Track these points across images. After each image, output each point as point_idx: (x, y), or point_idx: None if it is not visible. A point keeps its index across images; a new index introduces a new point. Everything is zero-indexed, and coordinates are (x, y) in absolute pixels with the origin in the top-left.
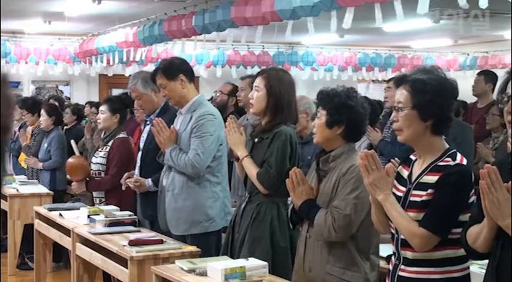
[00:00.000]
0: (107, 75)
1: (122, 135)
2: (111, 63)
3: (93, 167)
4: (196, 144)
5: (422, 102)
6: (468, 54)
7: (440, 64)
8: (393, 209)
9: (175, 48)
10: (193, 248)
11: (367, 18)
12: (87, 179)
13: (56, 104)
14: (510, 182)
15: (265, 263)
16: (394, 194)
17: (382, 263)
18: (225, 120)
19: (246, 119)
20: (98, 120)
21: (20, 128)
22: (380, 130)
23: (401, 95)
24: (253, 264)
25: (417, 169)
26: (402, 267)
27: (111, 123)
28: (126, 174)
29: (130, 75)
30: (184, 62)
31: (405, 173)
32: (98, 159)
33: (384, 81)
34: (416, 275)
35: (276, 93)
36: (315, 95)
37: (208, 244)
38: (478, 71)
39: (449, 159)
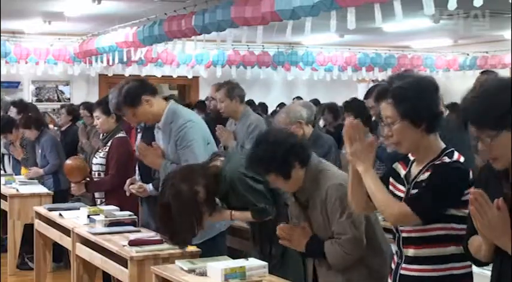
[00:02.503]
0: (107, 75)
1: (120, 134)
2: (111, 63)
3: (93, 168)
4: (187, 155)
5: (409, 110)
6: (468, 54)
7: (440, 64)
8: (372, 182)
9: (176, 48)
10: (193, 248)
11: (367, 18)
12: (87, 179)
13: (29, 114)
14: (501, 198)
15: (265, 263)
16: (394, 193)
17: None
18: (224, 124)
19: (233, 123)
20: (97, 126)
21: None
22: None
23: (386, 109)
24: (253, 264)
25: (415, 169)
26: (404, 265)
27: (109, 125)
28: (128, 181)
29: (130, 76)
30: (141, 82)
31: (402, 172)
32: (98, 160)
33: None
34: (418, 272)
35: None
36: (315, 95)
37: (217, 245)
38: (478, 71)
39: (446, 157)
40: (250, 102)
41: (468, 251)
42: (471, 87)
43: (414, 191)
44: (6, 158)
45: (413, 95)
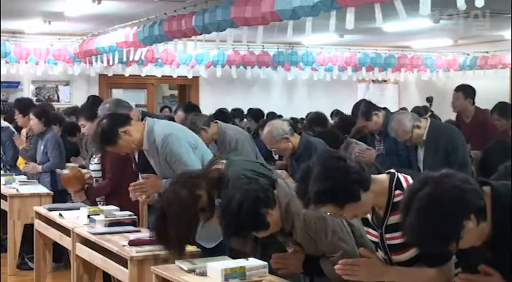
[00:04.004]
0: (106, 75)
1: None
2: (111, 63)
3: (91, 174)
4: (181, 168)
5: (342, 199)
6: (468, 54)
7: (440, 64)
8: (404, 276)
9: (176, 48)
10: (193, 248)
11: (367, 18)
12: (86, 186)
13: (43, 105)
14: (482, 264)
15: (265, 263)
16: (371, 240)
17: None
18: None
19: (214, 145)
20: (85, 134)
21: None
22: (372, 145)
23: (326, 209)
24: (253, 264)
25: (380, 211)
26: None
27: None
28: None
29: (130, 76)
30: (111, 117)
31: (369, 217)
32: (94, 166)
33: (384, 81)
34: None
35: None
36: (314, 95)
37: (223, 246)
38: (478, 71)
39: (398, 191)
40: (223, 110)
41: None
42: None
43: (389, 236)
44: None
45: (333, 188)
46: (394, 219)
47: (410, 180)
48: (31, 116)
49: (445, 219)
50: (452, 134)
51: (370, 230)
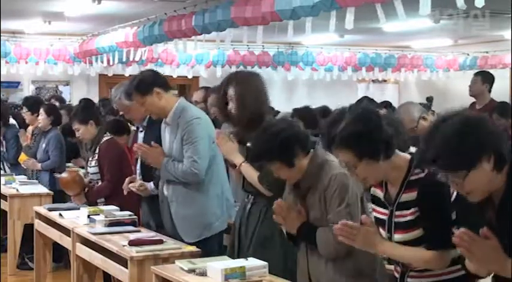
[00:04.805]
0: (106, 75)
1: (106, 138)
2: (111, 63)
3: (89, 177)
4: (191, 150)
5: (363, 151)
6: (468, 54)
7: (440, 64)
8: (395, 251)
9: (176, 48)
10: (193, 248)
11: (367, 18)
12: (86, 190)
13: (57, 103)
14: (484, 227)
15: (265, 263)
16: (377, 217)
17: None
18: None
19: (227, 126)
20: (79, 137)
21: (4, 136)
22: None
23: (343, 156)
24: (253, 264)
25: (392, 189)
26: (412, 273)
27: (91, 134)
28: (128, 179)
29: (130, 76)
30: (155, 74)
31: (380, 194)
32: (92, 169)
33: (384, 81)
34: (428, 278)
35: (247, 103)
36: (315, 95)
37: (213, 245)
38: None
39: (417, 170)
40: None
41: (467, 270)
42: (427, 133)
43: (399, 213)
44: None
45: (359, 135)
46: (406, 196)
47: None
48: (41, 111)
49: (468, 143)
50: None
51: (379, 208)
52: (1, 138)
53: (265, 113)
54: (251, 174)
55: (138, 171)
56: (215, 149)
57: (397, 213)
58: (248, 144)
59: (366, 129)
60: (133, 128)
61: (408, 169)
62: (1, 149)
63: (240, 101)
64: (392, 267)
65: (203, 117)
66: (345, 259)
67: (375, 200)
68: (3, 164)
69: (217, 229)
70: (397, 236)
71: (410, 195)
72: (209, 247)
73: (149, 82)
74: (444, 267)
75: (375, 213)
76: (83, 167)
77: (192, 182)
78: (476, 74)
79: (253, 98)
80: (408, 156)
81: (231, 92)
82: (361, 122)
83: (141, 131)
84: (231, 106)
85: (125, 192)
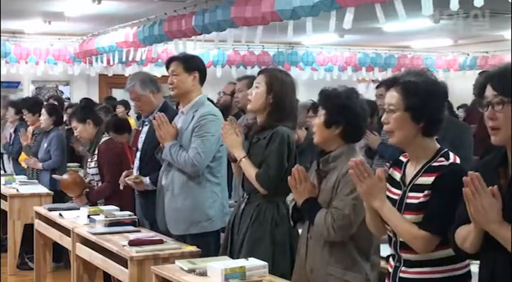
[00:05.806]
0: (106, 75)
1: (104, 138)
2: (111, 63)
3: (89, 177)
4: (198, 143)
5: (415, 104)
6: (468, 54)
7: (440, 64)
8: (391, 215)
9: (176, 48)
10: (193, 248)
11: (367, 18)
12: (87, 191)
13: (56, 103)
14: (495, 185)
15: (265, 263)
16: (388, 197)
17: (383, 263)
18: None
19: (245, 119)
20: (77, 136)
21: (15, 130)
22: (378, 133)
23: (392, 97)
24: (253, 264)
25: (410, 171)
26: (403, 269)
27: (88, 133)
28: (124, 173)
29: (130, 76)
30: (203, 63)
31: (397, 175)
32: (91, 170)
33: None
34: (419, 275)
35: (277, 90)
36: (315, 95)
37: (207, 244)
38: (478, 71)
39: (442, 159)
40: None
41: (454, 242)
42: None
43: (412, 194)
44: (5, 156)
45: (424, 93)
46: (423, 180)
47: (458, 160)
48: (42, 111)
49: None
50: (461, 129)
51: (393, 189)
52: (12, 130)
53: (291, 117)
54: (249, 170)
55: (136, 166)
56: (223, 152)
57: (410, 194)
58: (253, 140)
59: (429, 88)
60: (134, 128)
61: (434, 156)
62: (6, 141)
63: (282, 95)
64: (390, 269)
65: (219, 117)
66: (341, 248)
67: (391, 181)
68: (3, 164)
69: (205, 229)
70: (407, 217)
71: (427, 179)
72: (198, 244)
73: (196, 63)
74: (425, 252)
75: (387, 193)
76: (81, 166)
77: (189, 173)
78: (480, 74)
79: (291, 99)
80: (438, 146)
81: (276, 86)
82: (433, 85)
83: (146, 125)
84: (272, 96)
85: (121, 187)
